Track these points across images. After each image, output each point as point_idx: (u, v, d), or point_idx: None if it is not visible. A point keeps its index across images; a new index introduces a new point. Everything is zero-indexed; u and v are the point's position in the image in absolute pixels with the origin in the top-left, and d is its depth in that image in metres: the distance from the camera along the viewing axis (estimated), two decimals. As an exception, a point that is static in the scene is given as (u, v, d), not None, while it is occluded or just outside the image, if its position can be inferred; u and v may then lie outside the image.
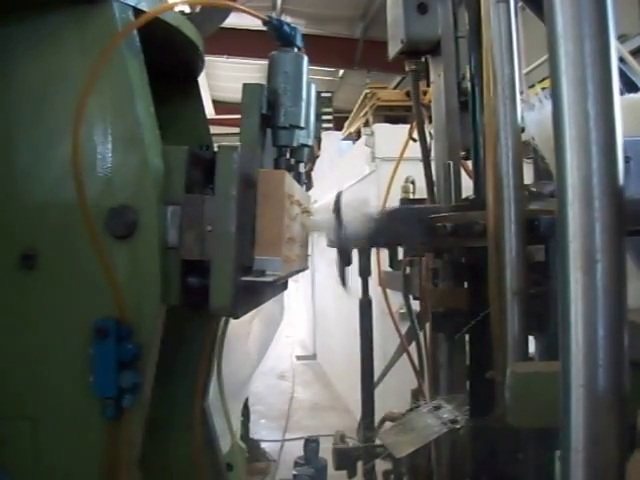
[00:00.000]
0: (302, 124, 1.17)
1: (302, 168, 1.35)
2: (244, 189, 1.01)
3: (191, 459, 1.26)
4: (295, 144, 1.18)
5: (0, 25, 1.05)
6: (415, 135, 2.03)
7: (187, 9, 1.41)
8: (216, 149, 1.10)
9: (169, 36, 1.19)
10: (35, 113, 1.04)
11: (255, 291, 1.12)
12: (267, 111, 1.12)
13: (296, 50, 1.16)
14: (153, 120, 1.05)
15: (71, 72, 1.03)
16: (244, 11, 1.19)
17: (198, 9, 1.41)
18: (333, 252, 1.64)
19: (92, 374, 0.99)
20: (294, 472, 1.42)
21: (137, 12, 1.07)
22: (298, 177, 1.35)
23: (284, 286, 1.48)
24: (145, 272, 1.00)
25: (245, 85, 1.11)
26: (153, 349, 1.04)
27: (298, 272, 1.37)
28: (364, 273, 2.29)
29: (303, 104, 1.17)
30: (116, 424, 1.00)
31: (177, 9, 1.31)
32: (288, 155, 1.19)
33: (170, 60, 1.26)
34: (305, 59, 1.17)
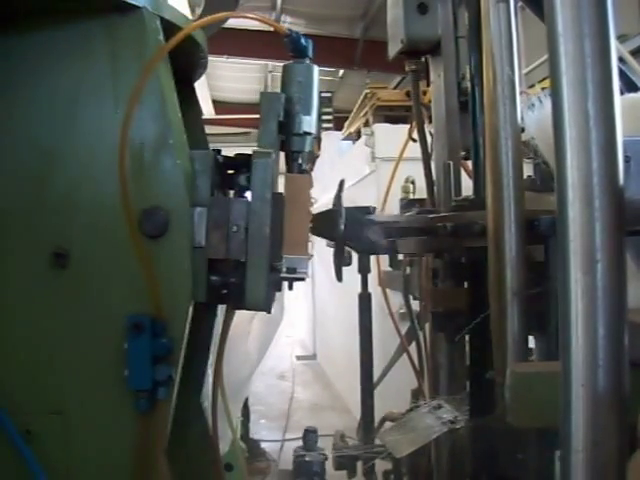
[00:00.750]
0: (314, 131, 1.23)
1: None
2: (275, 194, 1.09)
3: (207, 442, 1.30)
4: (307, 150, 1.23)
5: (32, 32, 1.11)
6: (415, 135, 2.03)
7: (187, 8, 1.41)
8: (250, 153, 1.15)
9: (181, 43, 1.22)
10: (68, 118, 1.09)
11: (277, 287, 1.19)
12: (284, 119, 1.18)
13: (308, 61, 1.23)
14: (181, 125, 1.11)
15: (103, 79, 1.09)
16: (268, 22, 1.27)
17: (199, 11, 1.42)
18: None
19: (127, 368, 1.04)
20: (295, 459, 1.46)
21: (163, 21, 1.13)
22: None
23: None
24: (177, 270, 1.06)
25: (263, 94, 1.17)
26: (183, 344, 1.09)
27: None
28: (363, 270, 2.29)
29: (315, 112, 1.23)
30: (148, 416, 1.05)
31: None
32: (300, 160, 1.24)
33: (177, 62, 1.27)
34: (316, 69, 1.24)
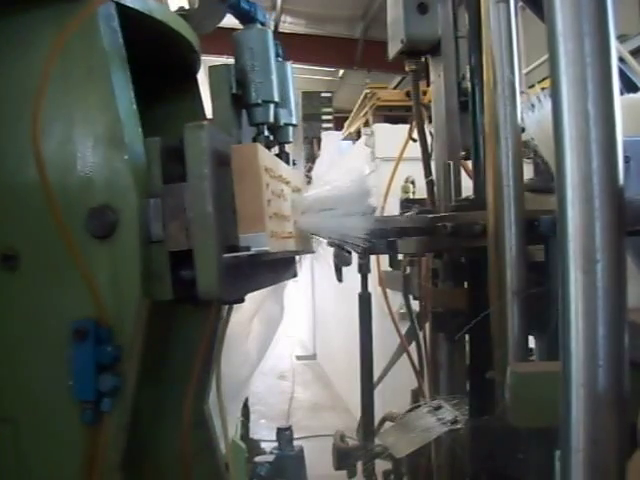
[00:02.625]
0: (276, 98, 1.15)
1: (288, 149, 1.33)
2: (219, 169, 0.98)
3: (182, 462, 1.24)
4: (271, 120, 1.16)
5: None
6: (415, 135, 2.03)
7: (186, 5, 1.40)
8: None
9: (161, 34, 1.17)
10: (13, 113, 1.02)
11: (249, 273, 1.10)
12: (237, 90, 1.11)
13: (259, 26, 1.14)
14: (135, 118, 1.02)
15: (52, 71, 1.00)
16: None
17: (196, 5, 1.40)
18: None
19: (71, 377, 0.97)
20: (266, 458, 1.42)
21: (120, 7, 1.05)
22: (287, 158, 1.33)
23: (291, 272, 1.41)
24: (124, 273, 0.97)
25: (210, 67, 1.10)
26: (135, 351, 1.01)
27: (301, 253, 1.33)
28: (363, 270, 2.29)
29: (274, 78, 1.14)
30: (96, 428, 0.98)
31: (177, 5, 1.30)
32: (266, 132, 1.17)
33: (165, 58, 1.25)
34: (269, 33, 1.15)
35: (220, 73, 1.10)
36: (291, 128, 1.33)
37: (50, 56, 0.99)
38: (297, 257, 1.42)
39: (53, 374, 0.99)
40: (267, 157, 1.08)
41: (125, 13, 1.07)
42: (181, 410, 1.27)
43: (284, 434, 1.38)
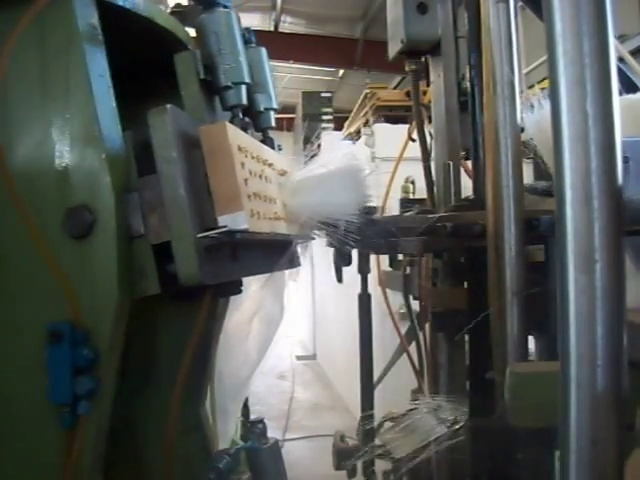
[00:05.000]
0: (246, 79, 1.13)
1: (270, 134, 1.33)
2: (190, 152, 0.97)
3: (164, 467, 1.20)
4: (244, 102, 1.14)
5: None
6: (415, 135, 2.03)
7: (184, 2, 1.40)
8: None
9: (152, 31, 1.17)
10: None
11: (234, 256, 1.07)
12: (206, 76, 1.10)
13: (222, 9, 1.13)
14: (113, 116, 1.01)
15: (30, 67, 0.99)
16: None
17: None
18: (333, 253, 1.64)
19: (47, 380, 0.95)
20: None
21: (100, 4, 1.03)
22: (271, 143, 1.31)
23: (289, 260, 1.36)
24: (101, 273, 0.96)
25: (176, 56, 1.09)
26: (114, 353, 0.99)
27: (297, 239, 1.29)
28: (363, 270, 2.29)
29: (243, 60, 1.13)
30: (73, 431, 0.96)
31: (174, 3, 1.29)
32: (241, 115, 1.15)
33: (160, 56, 1.24)
34: (233, 15, 1.13)
35: (186, 60, 1.08)
36: (272, 112, 1.31)
37: (5, 52, 0.96)
38: (296, 245, 1.38)
39: (28, 377, 0.98)
40: (240, 136, 1.05)
41: (108, 9, 1.04)
42: (194, 409, 1.26)
43: (256, 427, 1.35)
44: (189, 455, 1.27)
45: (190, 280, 0.94)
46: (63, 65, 0.98)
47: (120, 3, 1.08)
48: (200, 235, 0.93)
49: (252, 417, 1.50)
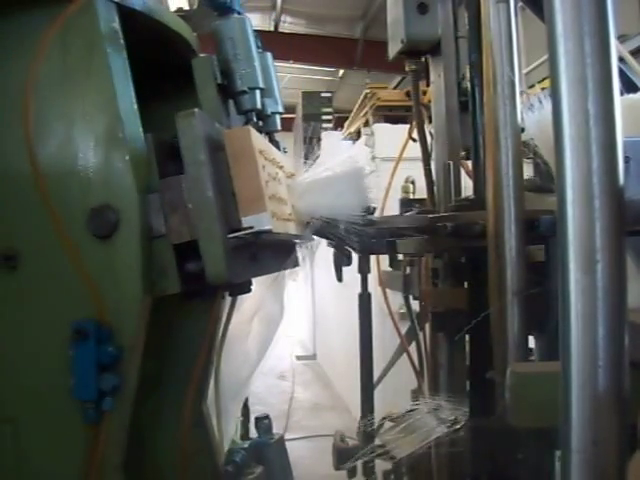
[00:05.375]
0: (261, 85, 1.16)
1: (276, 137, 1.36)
2: (214, 154, 0.99)
3: (178, 464, 1.22)
4: (259, 106, 1.17)
5: None
6: (415, 135, 2.03)
7: (186, 6, 1.40)
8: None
9: (160, 33, 1.18)
10: (16, 112, 1.01)
11: (254, 256, 1.10)
12: (222, 81, 1.12)
13: (236, 15, 1.15)
14: (136, 117, 1.03)
15: (53, 71, 1.01)
16: None
17: (195, 6, 1.40)
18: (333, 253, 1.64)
19: (72, 377, 0.97)
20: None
21: (121, 9, 1.05)
22: (277, 146, 1.33)
23: (292, 259, 1.40)
24: (126, 272, 0.98)
25: (194, 60, 1.11)
26: (136, 350, 1.01)
27: (301, 239, 1.32)
28: (363, 270, 2.29)
29: (257, 65, 1.15)
30: (97, 427, 0.99)
31: (176, 6, 1.30)
32: (255, 119, 1.18)
33: (167, 58, 1.25)
34: (247, 21, 1.16)
35: (204, 65, 1.10)
36: (278, 116, 1.34)
37: (38, 56, 0.99)
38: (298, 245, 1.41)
39: (53, 374, 1.00)
40: (259, 140, 1.07)
41: (124, 13, 1.07)
42: (181, 410, 1.27)
43: (262, 423, 1.41)
44: (192, 451, 1.27)
45: (218, 279, 0.97)
46: (86, 67, 1.00)
47: (138, 8, 1.10)
48: (231, 235, 0.96)
49: (257, 414, 1.53)
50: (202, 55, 1.10)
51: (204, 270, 0.97)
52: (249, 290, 1.19)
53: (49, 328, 1.00)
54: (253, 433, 1.46)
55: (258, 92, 1.15)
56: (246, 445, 1.33)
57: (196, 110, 0.97)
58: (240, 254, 1.02)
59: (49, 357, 1.00)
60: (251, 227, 0.97)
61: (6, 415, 1.02)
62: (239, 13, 1.15)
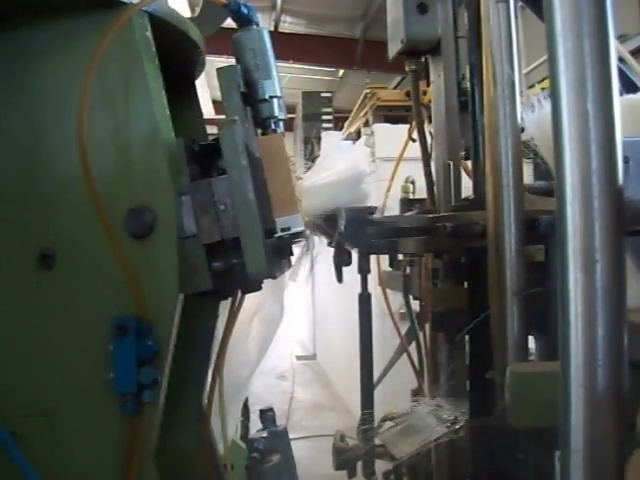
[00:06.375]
0: (279, 93, 1.21)
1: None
2: (250, 159, 1.06)
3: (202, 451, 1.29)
4: (277, 114, 1.22)
5: (17, 30, 1.09)
6: (415, 135, 2.03)
7: (187, 7, 1.41)
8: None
9: (174, 39, 1.22)
10: (55, 115, 1.07)
11: (282, 252, 1.17)
12: (245, 89, 1.17)
13: (255, 26, 1.21)
14: (169, 122, 1.09)
15: (99, 80, 1.06)
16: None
17: (198, 10, 1.42)
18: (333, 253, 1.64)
19: (112, 371, 1.02)
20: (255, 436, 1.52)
21: (152, 18, 1.11)
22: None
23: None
24: (163, 271, 1.04)
25: (219, 69, 1.15)
26: (170, 344, 1.07)
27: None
28: (363, 270, 2.29)
29: (275, 74, 1.21)
30: (134, 419, 1.04)
31: (176, 8, 1.32)
32: (274, 126, 1.23)
33: (169, 62, 1.27)
34: (266, 33, 1.22)
35: (229, 74, 1.15)
36: (281, 122, 1.38)
37: (91, 64, 1.04)
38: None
39: (90, 368, 1.05)
40: (286, 146, 1.16)
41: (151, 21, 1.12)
42: (196, 402, 1.33)
43: (267, 415, 1.49)
44: (192, 446, 1.31)
45: (259, 275, 1.05)
46: (126, 75, 1.06)
47: (159, 15, 1.14)
48: (277, 235, 1.06)
49: (261, 407, 1.59)
50: (227, 65, 1.15)
51: (229, 269, 1.05)
52: (260, 288, 1.24)
53: (87, 324, 1.06)
54: (253, 433, 1.51)
55: (276, 100, 1.21)
56: (265, 434, 1.44)
57: (237, 118, 1.05)
58: (275, 252, 1.10)
59: (87, 353, 1.05)
60: (288, 228, 1.06)
61: (42, 409, 1.06)
62: (257, 24, 1.21)
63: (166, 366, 1.07)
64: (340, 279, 1.59)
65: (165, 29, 1.14)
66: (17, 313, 1.07)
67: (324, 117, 8.29)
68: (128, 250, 1.03)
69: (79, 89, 1.05)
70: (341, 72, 10.66)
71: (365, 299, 2.36)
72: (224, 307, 1.32)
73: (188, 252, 1.05)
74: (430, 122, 1.97)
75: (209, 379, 1.31)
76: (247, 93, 1.17)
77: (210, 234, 1.05)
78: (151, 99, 1.05)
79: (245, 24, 1.20)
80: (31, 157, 1.08)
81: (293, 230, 1.06)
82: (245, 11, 1.19)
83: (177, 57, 1.24)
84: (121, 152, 1.05)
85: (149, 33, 1.10)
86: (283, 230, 1.07)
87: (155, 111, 1.05)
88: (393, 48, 1.95)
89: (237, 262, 1.06)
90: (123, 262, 1.02)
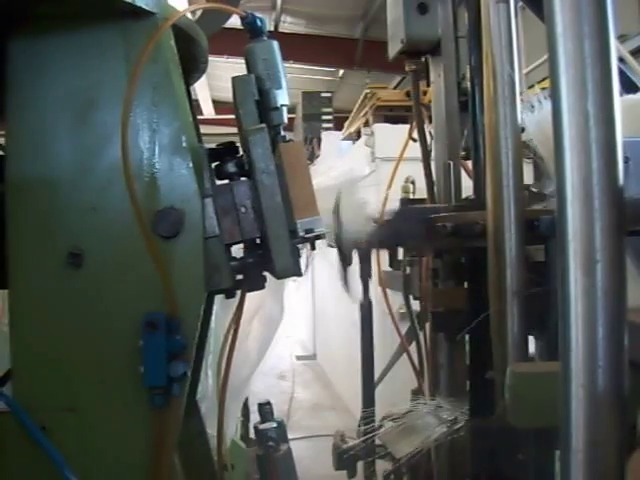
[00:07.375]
0: (287, 102, 1.25)
1: None
2: None
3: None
4: (286, 121, 1.27)
5: (49, 36, 1.14)
6: (415, 135, 2.03)
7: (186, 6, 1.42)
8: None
9: (187, 46, 1.27)
10: (82, 119, 1.12)
11: (298, 252, 1.22)
12: (258, 97, 1.21)
13: (265, 38, 1.25)
14: (192, 127, 1.15)
15: (118, 80, 1.12)
16: (230, 10, 1.28)
17: (199, 13, 1.43)
18: (334, 253, 1.64)
19: (142, 365, 1.06)
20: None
21: (174, 27, 1.15)
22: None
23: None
24: (190, 269, 1.10)
25: (235, 78, 1.20)
26: (196, 340, 1.13)
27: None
28: (364, 276, 2.29)
29: (284, 83, 1.25)
30: (163, 412, 1.08)
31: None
32: (283, 132, 1.27)
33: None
34: (275, 44, 1.27)
35: (245, 83, 1.20)
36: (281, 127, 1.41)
37: (135, 70, 1.09)
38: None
39: (118, 364, 1.10)
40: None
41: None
42: (190, 397, 1.34)
43: (265, 408, 1.56)
44: (188, 439, 1.33)
45: (286, 273, 1.13)
46: (153, 80, 1.11)
47: (179, 24, 1.18)
48: (306, 237, 1.11)
49: (259, 401, 1.63)
50: (242, 74, 1.20)
51: (243, 267, 1.12)
52: (263, 286, 1.27)
53: (115, 321, 1.11)
54: (258, 424, 1.57)
55: (285, 108, 1.25)
56: (274, 424, 1.51)
57: (264, 125, 1.12)
58: (297, 252, 1.16)
59: (115, 348, 1.10)
60: (311, 229, 1.11)
61: (71, 404, 1.10)
62: (267, 36, 1.26)
63: (192, 360, 1.12)
64: (346, 285, 1.60)
65: (181, 37, 1.19)
66: (47, 309, 1.12)
67: (324, 117, 8.28)
68: (157, 250, 1.08)
69: (109, 93, 1.12)
70: (341, 72, 10.65)
71: (366, 306, 2.36)
72: (225, 307, 1.33)
73: (211, 252, 1.11)
74: (430, 122, 1.97)
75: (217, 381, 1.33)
76: (259, 101, 1.21)
77: (232, 235, 1.12)
78: (178, 105, 1.12)
79: (258, 35, 1.24)
80: (62, 159, 1.12)
81: (317, 232, 1.11)
82: (259, 23, 1.24)
83: (185, 64, 1.27)
84: (151, 156, 1.10)
85: (173, 42, 1.15)
86: (307, 231, 1.12)
87: (181, 117, 1.12)
88: (393, 48, 1.96)
89: (251, 262, 1.13)
90: (156, 261, 1.07)
